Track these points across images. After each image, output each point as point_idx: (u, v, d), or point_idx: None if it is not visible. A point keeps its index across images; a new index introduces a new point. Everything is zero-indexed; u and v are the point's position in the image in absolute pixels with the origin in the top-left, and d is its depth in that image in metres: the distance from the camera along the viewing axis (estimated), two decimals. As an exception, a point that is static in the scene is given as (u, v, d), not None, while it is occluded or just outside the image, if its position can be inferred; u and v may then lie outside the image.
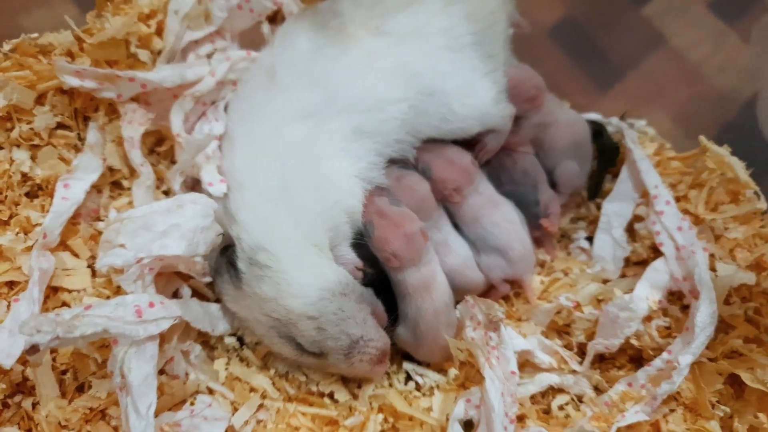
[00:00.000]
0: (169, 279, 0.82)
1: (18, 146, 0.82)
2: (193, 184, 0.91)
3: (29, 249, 0.77)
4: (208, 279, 0.85)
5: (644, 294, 0.89)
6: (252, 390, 0.87)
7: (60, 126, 0.84)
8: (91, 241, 0.82)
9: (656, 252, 0.95)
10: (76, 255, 0.80)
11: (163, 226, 0.75)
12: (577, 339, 0.94)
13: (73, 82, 0.83)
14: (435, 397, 0.91)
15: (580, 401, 0.90)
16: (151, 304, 0.73)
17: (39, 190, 0.82)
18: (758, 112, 1.06)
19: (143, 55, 0.91)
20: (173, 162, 0.93)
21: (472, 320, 0.91)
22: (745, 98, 1.08)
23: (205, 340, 0.89)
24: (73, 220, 0.80)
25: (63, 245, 0.80)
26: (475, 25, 0.93)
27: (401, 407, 0.88)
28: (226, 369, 0.88)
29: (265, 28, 1.00)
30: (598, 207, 1.05)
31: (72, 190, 0.80)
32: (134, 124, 0.86)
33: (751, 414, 0.82)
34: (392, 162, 0.94)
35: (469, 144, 0.99)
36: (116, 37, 0.87)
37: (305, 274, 0.83)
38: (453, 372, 0.92)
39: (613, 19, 1.17)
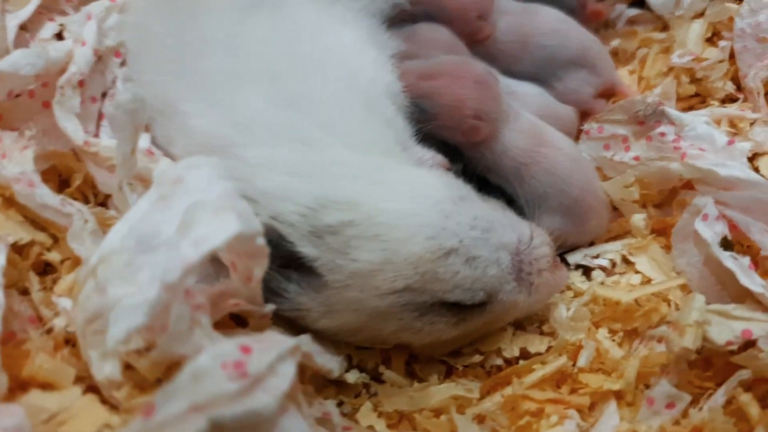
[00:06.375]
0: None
1: None
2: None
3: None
4: (271, 307, 0.50)
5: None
6: (435, 413, 0.53)
7: None
8: (71, 358, 0.44)
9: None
10: (51, 387, 0.42)
11: (171, 224, 0.39)
12: (725, 91, 0.70)
13: None
14: (640, 262, 0.63)
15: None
16: (246, 349, 0.37)
17: None
18: None
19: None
20: (100, 203, 0.57)
21: (614, 144, 0.64)
22: None
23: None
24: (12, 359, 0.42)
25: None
26: None
27: (624, 297, 0.58)
28: (377, 412, 0.53)
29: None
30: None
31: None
32: (14, 155, 0.49)
33: None
34: (390, 25, 0.65)
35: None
36: None
37: (405, 201, 0.52)
38: (639, 218, 0.63)
39: None
